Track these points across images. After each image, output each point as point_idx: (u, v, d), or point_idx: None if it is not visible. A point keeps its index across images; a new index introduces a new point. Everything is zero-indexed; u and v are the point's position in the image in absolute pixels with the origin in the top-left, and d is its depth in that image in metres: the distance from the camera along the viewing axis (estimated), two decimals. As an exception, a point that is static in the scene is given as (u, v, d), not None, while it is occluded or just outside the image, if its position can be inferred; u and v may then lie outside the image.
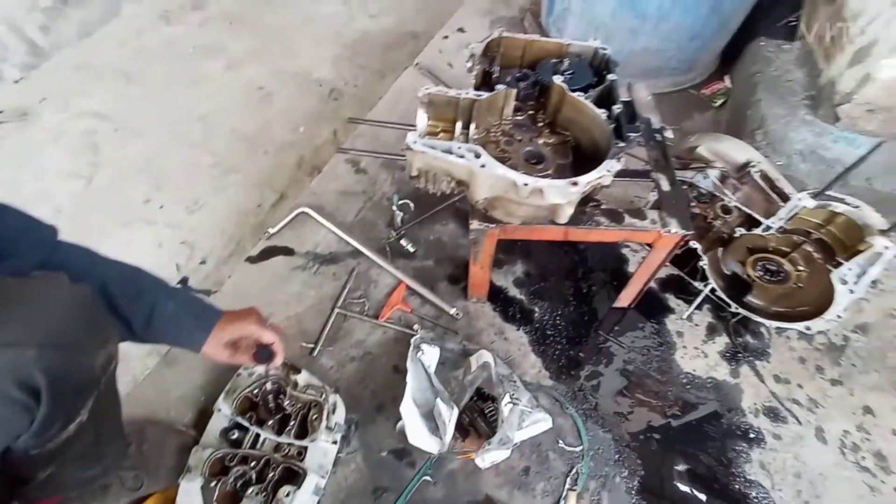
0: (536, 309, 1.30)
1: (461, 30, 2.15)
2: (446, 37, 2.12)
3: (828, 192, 1.05)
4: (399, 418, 1.02)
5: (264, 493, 0.88)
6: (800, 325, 1.16)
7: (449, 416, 0.92)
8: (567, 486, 1.01)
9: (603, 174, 0.83)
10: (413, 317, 1.25)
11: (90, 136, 1.97)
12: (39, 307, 0.55)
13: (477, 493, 1.02)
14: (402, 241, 1.38)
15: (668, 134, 1.35)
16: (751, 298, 1.25)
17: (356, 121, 1.68)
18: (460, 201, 1.48)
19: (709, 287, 1.24)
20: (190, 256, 1.58)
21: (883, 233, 1.01)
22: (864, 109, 1.25)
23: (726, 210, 1.24)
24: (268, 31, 2.45)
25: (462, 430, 1.04)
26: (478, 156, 0.83)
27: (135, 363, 1.27)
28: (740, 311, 1.23)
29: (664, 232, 0.98)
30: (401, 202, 1.43)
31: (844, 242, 1.08)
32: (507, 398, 1.01)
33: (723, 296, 1.24)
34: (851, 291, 1.02)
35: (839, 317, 1.08)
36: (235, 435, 0.95)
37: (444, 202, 1.47)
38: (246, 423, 0.95)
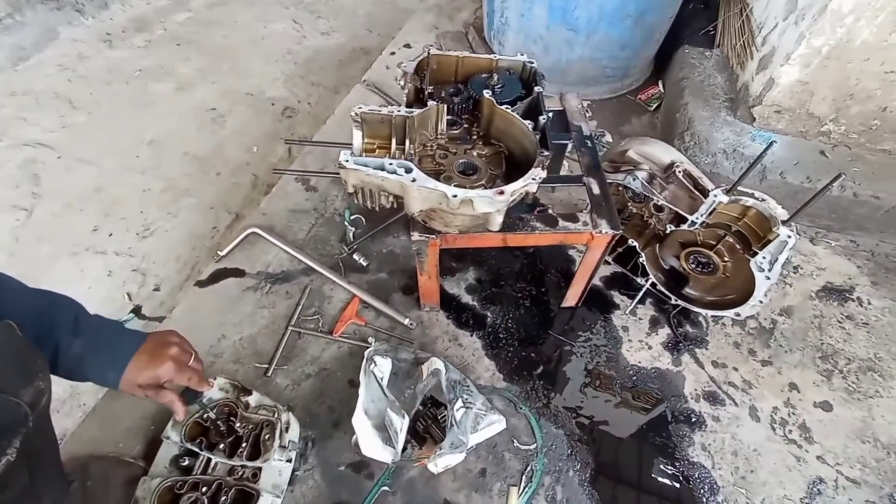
0: (489, 314, 1.34)
1: (408, 45, 2.20)
2: (393, 53, 2.17)
3: (739, 188, 1.14)
4: (352, 430, 1.04)
5: (215, 519, 0.88)
6: (730, 312, 1.24)
7: (400, 424, 0.94)
8: (509, 485, 1.04)
9: (528, 182, 0.88)
10: (368, 329, 1.27)
11: (30, 166, 1.91)
12: None
13: (436, 499, 1.04)
14: (355, 256, 1.40)
15: (607, 138, 1.44)
16: (688, 290, 1.33)
17: (291, 142, 1.69)
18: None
19: (649, 281, 1.32)
20: (143, 283, 1.55)
21: (785, 223, 1.10)
22: (773, 110, 1.36)
23: (658, 208, 1.32)
24: (217, 51, 2.44)
25: (418, 437, 1.06)
26: (409, 171, 0.87)
27: (87, 398, 1.24)
28: (679, 302, 1.31)
29: (595, 232, 1.04)
30: (353, 217, 1.46)
31: (758, 233, 1.17)
32: (459, 402, 1.04)
33: (663, 289, 1.31)
34: (768, 278, 1.11)
35: (761, 302, 1.16)
36: (186, 462, 0.94)
37: (394, 216, 1.50)
38: (196, 449, 0.94)
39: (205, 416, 0.96)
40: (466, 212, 0.89)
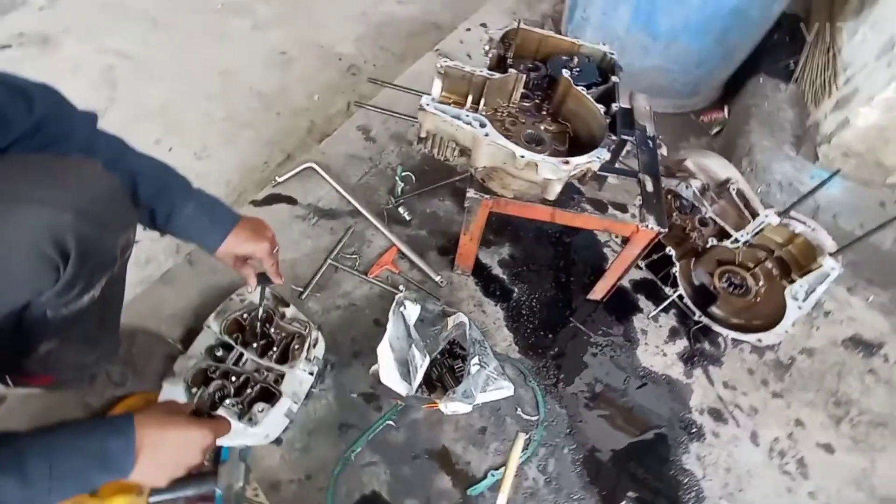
0: (515, 289, 1.38)
1: (483, 25, 2.23)
2: (469, 29, 2.20)
3: (791, 213, 1.15)
4: (373, 364, 1.10)
5: (240, 407, 0.95)
6: (752, 337, 1.26)
7: (421, 362, 1.00)
8: (518, 431, 1.09)
9: (593, 160, 0.91)
10: (400, 278, 1.33)
11: (110, 72, 2.02)
12: (79, 181, 0.62)
13: (435, 443, 1.10)
14: (400, 209, 1.45)
15: (663, 151, 1.45)
16: (714, 309, 1.34)
17: (375, 81, 1.72)
18: (460, 181, 1.56)
19: (677, 293, 1.34)
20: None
21: (832, 254, 1.11)
22: (841, 152, 1.36)
23: (703, 223, 1.34)
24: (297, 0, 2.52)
25: (430, 384, 1.11)
26: (483, 125, 0.91)
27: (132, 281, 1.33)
28: (703, 319, 1.32)
29: (642, 226, 1.06)
30: (404, 173, 1.51)
31: (800, 262, 1.18)
32: (475, 359, 1.09)
33: (689, 303, 1.33)
34: (800, 307, 1.12)
35: (787, 331, 1.18)
36: (220, 353, 1.02)
37: (445, 180, 1.55)
38: (232, 343, 1.01)
39: (245, 315, 1.03)
40: (528, 175, 0.93)
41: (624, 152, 1.22)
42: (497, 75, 1.02)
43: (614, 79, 1.12)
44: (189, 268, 1.25)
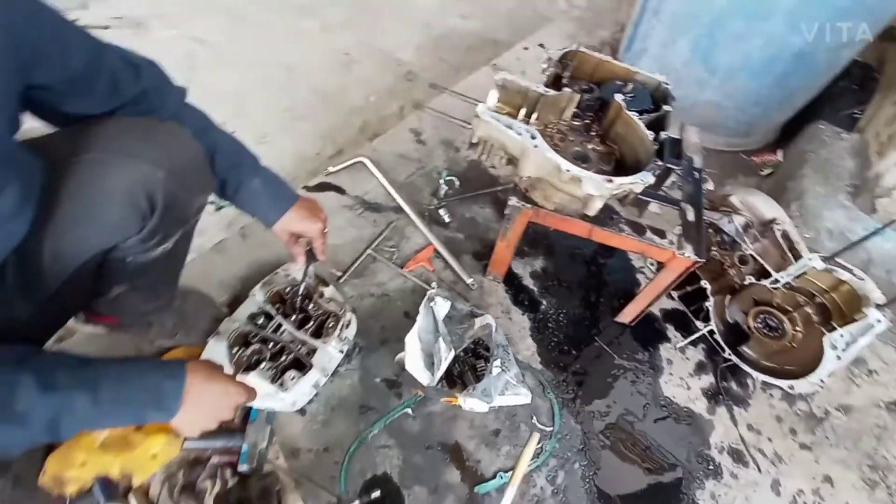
0: (544, 302, 1.40)
1: (542, 45, 2.29)
2: (526, 48, 2.26)
3: (837, 259, 1.13)
4: (398, 353, 1.14)
5: (273, 372, 1.01)
6: (784, 383, 1.23)
7: (446, 355, 1.04)
8: (532, 430, 1.10)
9: (637, 181, 0.94)
10: (433, 276, 1.38)
11: (191, 57, 2.20)
12: (172, 145, 0.70)
13: (448, 437, 1.12)
14: (441, 211, 1.51)
15: (709, 185, 1.45)
16: (745, 349, 1.32)
17: (436, 86, 1.79)
18: (502, 192, 1.61)
19: (708, 328, 1.32)
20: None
21: (879, 307, 1.07)
22: (900, 205, 1.32)
23: (743, 260, 1.32)
24: (365, 5, 2.66)
25: (451, 379, 1.15)
26: (533, 137, 0.96)
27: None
28: (733, 358, 1.30)
29: (679, 254, 1.07)
30: (449, 178, 1.57)
31: (843, 311, 1.15)
32: (498, 362, 1.12)
33: (720, 340, 1.31)
34: (839, 358, 1.08)
35: (822, 382, 1.14)
36: (261, 321, 1.09)
37: (488, 188, 1.60)
38: (273, 312, 1.09)
39: (287, 289, 1.11)
40: (571, 189, 0.96)
41: (669, 182, 1.24)
42: (552, 92, 1.06)
43: (666, 108, 1.14)
44: (241, 241, 1.34)
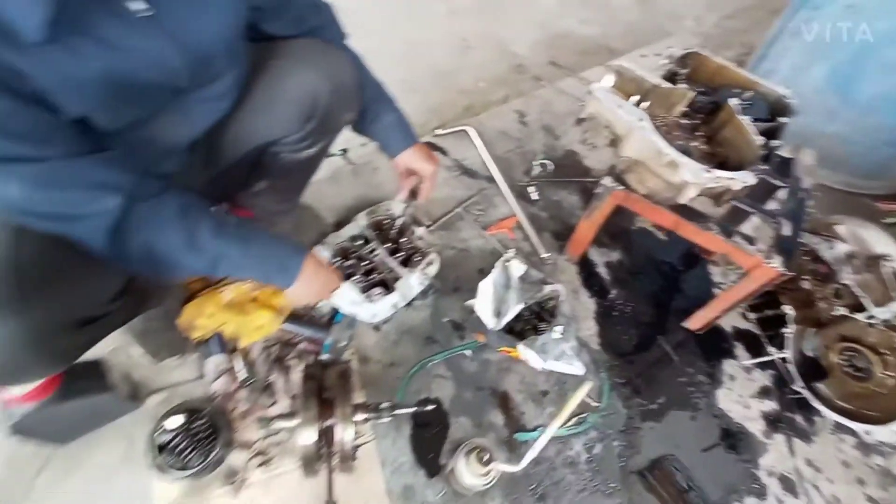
0: (613, 291, 1.44)
1: (659, 55, 2.28)
2: (644, 56, 2.27)
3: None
4: (468, 299, 1.26)
5: (363, 285, 1.17)
6: (860, 427, 1.17)
7: (514, 306, 1.13)
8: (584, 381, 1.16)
9: (735, 178, 0.96)
10: (512, 243, 1.47)
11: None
12: (339, 65, 0.88)
13: (499, 385, 1.22)
14: (530, 189, 1.60)
15: (813, 209, 1.40)
16: (821, 385, 1.26)
17: (556, 64, 1.85)
18: (592, 183, 1.66)
19: (781, 355, 1.28)
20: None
21: None
22: None
23: (838, 294, 1.26)
24: (491, -3, 2.80)
25: (512, 333, 1.24)
26: (641, 119, 1.02)
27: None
28: (804, 392, 1.25)
29: (765, 262, 1.07)
30: (543, 160, 1.66)
31: (944, 360, 1.07)
32: (560, 328, 1.19)
33: (793, 370, 1.27)
34: (927, 407, 1.02)
35: (903, 432, 1.07)
36: (359, 242, 1.26)
37: (579, 177, 1.66)
38: (372, 237, 1.25)
39: (387, 220, 1.27)
40: (667, 175, 1.01)
41: (773, 200, 1.22)
42: (666, 84, 1.11)
43: (784, 120, 1.14)
44: (352, 176, 1.54)
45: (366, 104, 1.01)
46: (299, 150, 0.95)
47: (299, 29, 0.91)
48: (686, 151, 1.13)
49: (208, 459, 0.96)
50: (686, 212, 1.13)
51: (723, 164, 1.15)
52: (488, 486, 0.98)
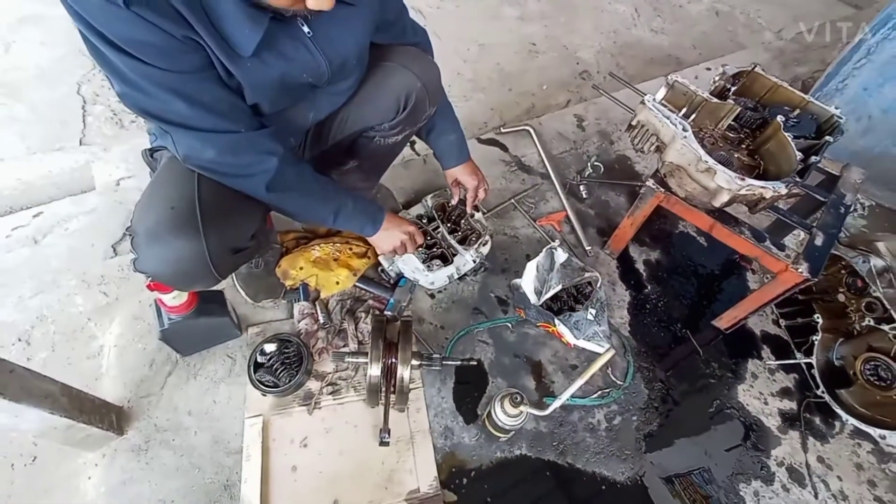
0: (649, 287, 1.56)
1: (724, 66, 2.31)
2: (709, 69, 2.31)
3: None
4: (513, 279, 1.43)
5: (425, 255, 1.38)
6: (875, 432, 1.23)
7: (555, 286, 1.29)
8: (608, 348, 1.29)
9: (768, 186, 1.07)
10: (558, 236, 1.63)
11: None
12: (428, 69, 1.08)
13: (534, 355, 1.39)
14: (581, 187, 1.74)
15: (852, 221, 1.44)
16: (843, 392, 1.33)
17: (614, 76, 1.96)
18: (639, 187, 1.77)
19: (806, 361, 1.36)
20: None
21: None
22: None
23: (870, 307, 1.32)
24: (563, 4, 2.91)
25: (550, 310, 1.40)
26: (685, 129, 1.14)
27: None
28: (826, 397, 1.33)
29: (792, 267, 1.17)
30: (596, 163, 1.79)
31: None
32: (594, 310, 1.34)
33: (816, 376, 1.35)
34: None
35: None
36: (424, 220, 1.47)
37: (628, 181, 1.78)
38: (435, 216, 1.45)
39: (450, 203, 1.47)
40: (704, 180, 1.13)
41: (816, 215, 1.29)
42: (715, 100, 1.22)
43: (829, 139, 1.22)
44: (422, 164, 1.75)
45: (436, 120, 1.22)
46: (389, 136, 1.17)
47: (399, 41, 1.13)
48: (728, 161, 1.24)
49: (293, 381, 1.21)
50: (722, 216, 1.24)
51: (761, 176, 1.26)
52: (519, 424, 1.14)
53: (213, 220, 0.85)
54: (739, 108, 1.24)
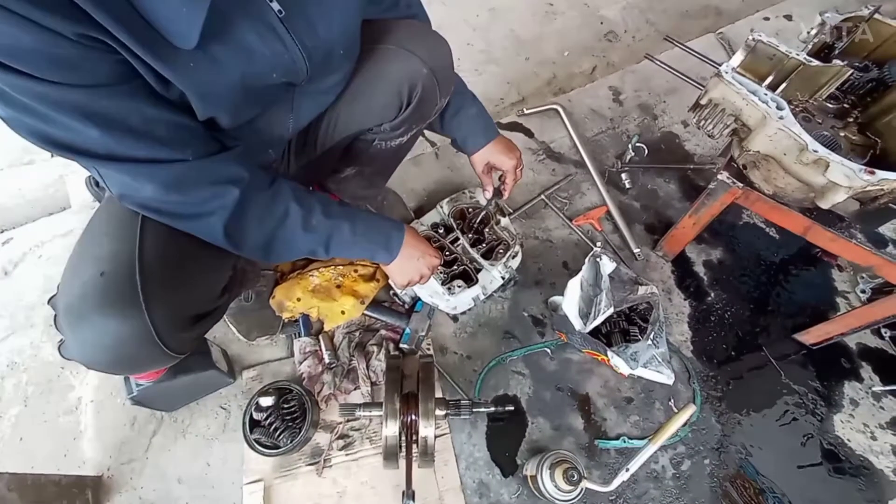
0: (712, 294, 1.30)
1: (788, 17, 1.95)
2: (767, 18, 1.95)
3: None
4: (550, 295, 1.19)
5: (444, 276, 1.14)
6: None
7: (605, 308, 1.05)
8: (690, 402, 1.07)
9: (903, 181, 0.79)
10: (599, 236, 1.37)
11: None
12: (438, 49, 0.81)
13: (580, 387, 1.16)
14: (622, 175, 1.46)
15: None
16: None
17: (670, 40, 1.63)
18: (693, 170, 1.48)
19: (921, 382, 1.10)
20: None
21: None
22: None
23: None
24: (582, -46, 2.52)
25: (599, 335, 1.16)
26: (780, 108, 0.86)
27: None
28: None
29: (923, 280, 0.90)
30: (638, 144, 1.50)
31: None
32: (652, 335, 1.10)
33: (932, 400, 1.09)
34: None
35: None
36: (441, 231, 1.22)
37: (679, 164, 1.49)
38: (454, 226, 1.21)
39: (470, 209, 1.21)
40: (807, 175, 0.85)
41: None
42: (816, 63, 0.93)
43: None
44: (434, 158, 1.49)
45: (450, 98, 0.94)
46: (392, 138, 0.91)
47: (391, 14, 0.86)
48: (834, 142, 0.96)
49: (297, 440, 1.01)
50: (821, 215, 0.96)
51: (879, 157, 0.97)
52: (573, 500, 0.94)
53: (159, 283, 0.62)
54: (851, 71, 0.94)
